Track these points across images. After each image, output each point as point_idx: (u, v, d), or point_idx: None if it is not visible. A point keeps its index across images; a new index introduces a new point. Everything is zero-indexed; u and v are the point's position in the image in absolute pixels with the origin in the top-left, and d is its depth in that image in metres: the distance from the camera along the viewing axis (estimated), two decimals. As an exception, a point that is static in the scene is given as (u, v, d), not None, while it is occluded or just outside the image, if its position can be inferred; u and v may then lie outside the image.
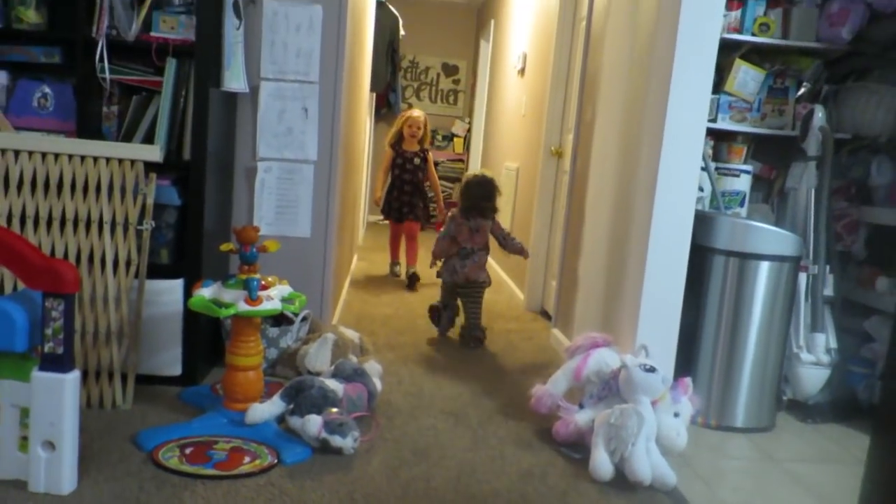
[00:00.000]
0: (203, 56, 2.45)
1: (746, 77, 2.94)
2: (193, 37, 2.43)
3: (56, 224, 2.28)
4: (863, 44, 2.87)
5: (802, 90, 3.01)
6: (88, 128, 2.45)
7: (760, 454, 2.45)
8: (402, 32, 6.78)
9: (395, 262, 5.04)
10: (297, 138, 2.89)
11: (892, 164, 2.93)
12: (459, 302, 3.51)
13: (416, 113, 4.86)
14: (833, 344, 2.76)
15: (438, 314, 3.55)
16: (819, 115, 2.78)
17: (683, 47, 2.31)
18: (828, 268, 2.78)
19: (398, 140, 4.84)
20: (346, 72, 2.98)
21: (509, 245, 3.57)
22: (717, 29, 2.36)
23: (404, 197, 4.82)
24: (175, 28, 2.46)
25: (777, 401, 2.72)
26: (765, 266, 2.57)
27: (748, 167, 2.99)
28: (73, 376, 1.74)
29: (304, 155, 2.90)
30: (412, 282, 4.70)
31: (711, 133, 2.96)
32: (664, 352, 2.40)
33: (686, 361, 2.58)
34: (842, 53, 2.96)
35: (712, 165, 2.91)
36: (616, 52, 2.96)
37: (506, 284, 5.04)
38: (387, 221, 5.05)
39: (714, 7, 2.33)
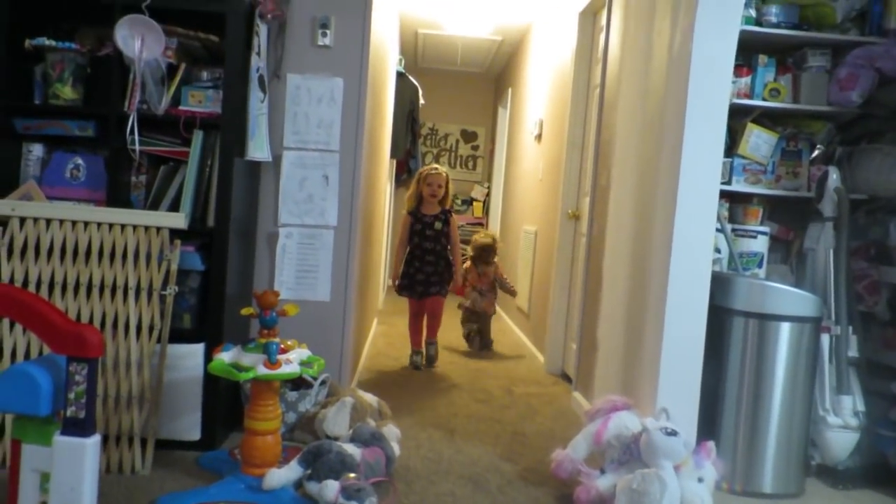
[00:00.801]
0: (228, 128, 2.55)
1: (759, 140, 2.98)
2: (220, 110, 2.54)
3: (83, 290, 2.35)
4: (873, 107, 2.91)
5: (816, 152, 3.04)
6: (117, 197, 2.54)
7: (789, 522, 2.37)
8: (421, 101, 6.97)
9: (416, 349, 4.27)
10: (318, 205, 2.96)
11: (911, 224, 2.92)
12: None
13: (436, 168, 4.27)
14: (860, 406, 2.70)
15: (472, 338, 4.83)
16: (833, 176, 2.80)
17: (694, 112, 2.37)
18: (850, 329, 2.75)
19: (417, 203, 4.24)
20: (365, 141, 3.08)
21: (503, 286, 4.97)
22: (726, 95, 2.42)
23: (427, 268, 4.18)
24: (202, 102, 2.57)
25: (805, 466, 2.65)
26: (785, 327, 2.55)
27: (765, 228, 2.99)
28: (94, 441, 1.76)
29: (324, 221, 2.97)
30: (430, 360, 4.25)
31: (726, 195, 2.99)
32: (685, 415, 2.37)
33: (708, 425, 2.53)
34: (853, 116, 3.00)
35: (728, 227, 2.93)
36: (629, 118, 3.03)
37: (526, 348, 5.02)
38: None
39: (723, 73, 2.39)
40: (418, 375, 4.00)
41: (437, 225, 4.20)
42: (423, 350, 4.26)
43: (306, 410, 2.76)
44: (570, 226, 4.20)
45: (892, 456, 2.74)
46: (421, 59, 7.88)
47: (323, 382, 2.83)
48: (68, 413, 1.74)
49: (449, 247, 4.26)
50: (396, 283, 4.25)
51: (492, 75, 8.37)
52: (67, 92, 2.53)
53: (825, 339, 2.70)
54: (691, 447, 2.20)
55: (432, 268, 4.20)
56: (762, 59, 2.93)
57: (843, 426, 2.66)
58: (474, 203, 8.36)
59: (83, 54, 2.54)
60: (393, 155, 6.06)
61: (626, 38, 3.17)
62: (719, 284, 2.56)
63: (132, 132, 2.48)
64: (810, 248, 2.88)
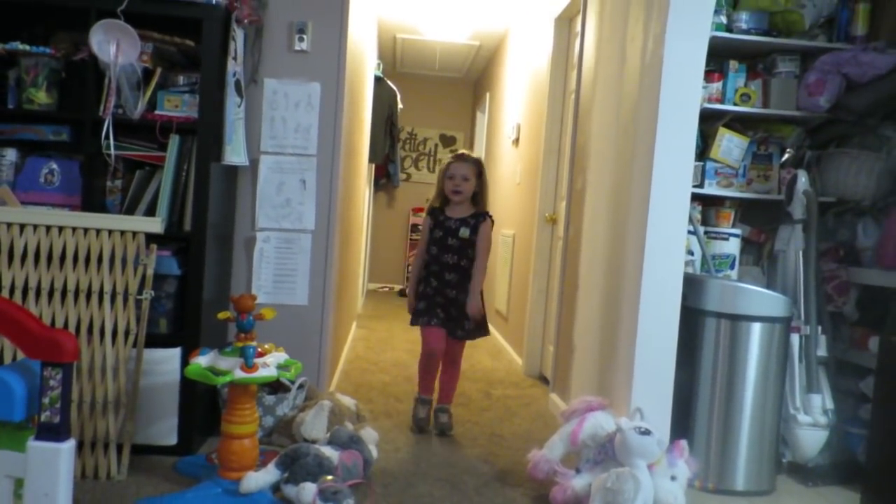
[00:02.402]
0: (205, 132, 2.55)
1: (731, 144, 3.04)
2: (196, 114, 2.54)
3: (58, 295, 2.33)
4: (841, 112, 2.98)
5: (786, 156, 3.11)
6: (93, 202, 2.53)
7: (761, 519, 2.42)
8: (400, 105, 7.00)
9: (425, 396, 3.16)
10: (296, 209, 2.97)
11: (877, 226, 2.99)
12: None
13: (463, 154, 3.13)
14: (830, 405, 2.76)
15: None
16: (802, 179, 2.86)
17: (666, 117, 2.41)
18: (819, 328, 2.80)
19: (441, 202, 3.16)
20: (343, 145, 3.09)
21: None
22: (698, 99, 2.46)
23: (447, 291, 3.04)
24: (179, 106, 2.57)
25: (776, 463, 2.70)
26: (757, 327, 2.60)
27: (737, 231, 3.05)
28: (69, 446, 1.75)
29: (302, 225, 2.98)
30: (443, 429, 3.06)
31: (699, 198, 3.04)
32: (659, 414, 2.41)
33: (682, 424, 2.58)
34: (822, 121, 3.07)
35: (701, 230, 2.98)
36: (603, 123, 3.07)
37: (505, 351, 5.05)
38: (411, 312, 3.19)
39: (694, 79, 2.44)
40: (397, 380, 4.00)
41: (464, 232, 3.07)
42: (432, 414, 3.16)
43: (284, 414, 2.76)
44: (548, 229, 4.24)
45: (861, 453, 2.80)
46: (399, 64, 7.90)
47: (301, 386, 2.83)
48: (42, 418, 1.73)
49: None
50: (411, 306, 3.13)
51: (470, 80, 8.41)
52: (42, 97, 2.52)
53: (795, 338, 2.76)
54: (665, 446, 2.24)
55: (454, 292, 3.05)
56: (733, 64, 2.99)
57: (812, 424, 2.71)
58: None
59: (58, 59, 2.53)
60: (371, 159, 6.07)
61: (600, 43, 3.22)
62: (692, 286, 2.61)
63: (107, 137, 2.47)
64: (781, 250, 2.94)
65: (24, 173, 2.55)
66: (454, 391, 3.20)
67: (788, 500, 2.60)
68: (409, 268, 7.49)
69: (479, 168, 3.12)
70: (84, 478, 2.28)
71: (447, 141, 8.59)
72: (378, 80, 6.11)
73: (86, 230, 2.36)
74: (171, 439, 2.51)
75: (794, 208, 2.88)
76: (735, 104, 2.98)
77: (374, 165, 6.85)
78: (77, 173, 2.55)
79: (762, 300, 2.62)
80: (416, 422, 3.11)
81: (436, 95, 8.46)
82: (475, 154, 3.23)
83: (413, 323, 3.10)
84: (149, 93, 2.55)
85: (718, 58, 2.95)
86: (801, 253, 2.85)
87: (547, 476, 2.39)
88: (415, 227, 8.26)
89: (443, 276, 3.06)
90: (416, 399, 3.17)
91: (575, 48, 3.75)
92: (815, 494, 2.67)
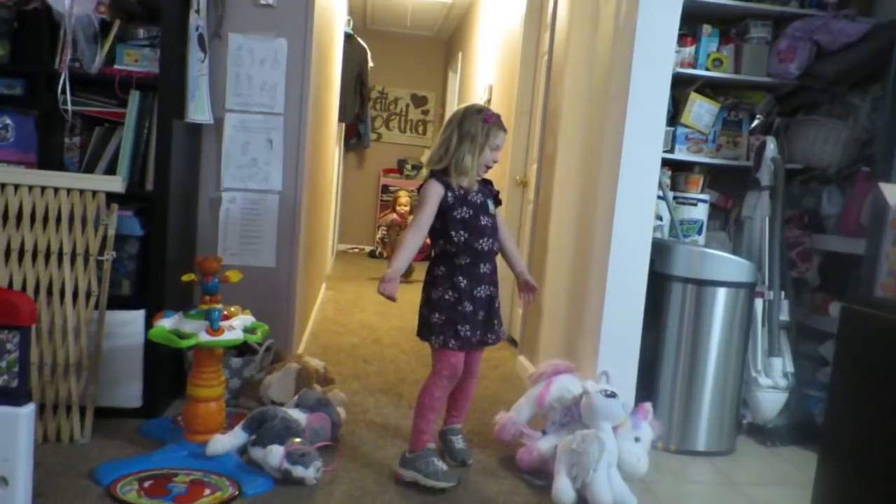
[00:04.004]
0: (167, 88, 2.47)
1: (701, 110, 3.04)
2: (157, 70, 2.45)
3: (14, 255, 2.26)
4: (810, 79, 2.99)
5: (755, 123, 3.12)
6: (50, 159, 2.44)
7: (721, 478, 2.48)
8: (370, 64, 6.87)
9: (451, 426, 2.47)
10: (262, 169, 2.91)
11: (842, 193, 3.03)
12: None
13: (502, 125, 2.28)
14: (790, 368, 2.82)
15: None
16: (770, 146, 2.88)
17: (637, 81, 2.39)
18: (783, 294, 2.86)
19: (444, 169, 2.25)
20: (311, 103, 3.02)
21: None
22: (670, 64, 2.45)
23: (484, 290, 2.27)
24: (139, 61, 2.47)
25: (737, 425, 2.77)
26: (722, 292, 2.63)
27: (705, 196, 3.07)
28: (28, 410, 1.72)
29: (268, 185, 2.92)
30: (464, 458, 2.38)
31: (669, 164, 3.05)
32: (625, 378, 2.44)
33: (647, 387, 2.62)
34: (791, 88, 3.08)
35: (670, 195, 2.99)
36: (575, 86, 3.04)
37: (474, 313, 5.07)
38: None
39: (666, 43, 2.42)
40: (366, 342, 3.99)
41: (492, 207, 2.33)
42: (445, 441, 2.45)
43: (251, 376, 2.74)
44: (518, 193, 4.23)
45: (818, 415, 2.89)
46: (370, 21, 7.74)
47: (268, 349, 2.81)
48: (0, 382, 1.69)
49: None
50: (387, 284, 2.12)
51: (442, 39, 8.28)
52: (-7, 47, 2.40)
53: (759, 303, 2.81)
54: (629, 409, 2.27)
55: (494, 288, 2.32)
56: (706, 28, 2.97)
57: (773, 387, 2.78)
58: (424, 168, 8.33)
59: (9, 8, 2.40)
60: (341, 119, 5.97)
61: (573, 4, 3.17)
62: (659, 251, 2.63)
63: (63, 91, 2.38)
64: (747, 216, 2.97)
65: (-23, 128, 2.45)
66: (468, 406, 2.51)
67: (747, 460, 2.67)
68: (384, 231, 7.45)
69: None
70: (46, 441, 2.25)
71: (418, 101, 8.48)
72: (348, 37, 5.97)
73: (43, 188, 2.28)
74: (136, 402, 2.48)
75: (761, 175, 2.90)
76: (707, 69, 2.98)
77: (343, 125, 6.74)
78: (32, 129, 2.45)
79: (728, 266, 2.65)
80: (456, 455, 2.38)
81: (407, 54, 8.32)
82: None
83: (423, 335, 2.28)
84: (107, 46, 2.45)
85: (692, 21, 2.93)
86: (766, 219, 2.88)
87: (513, 438, 2.42)
88: (385, 189, 8.19)
89: (477, 270, 2.26)
90: (423, 452, 2.21)
91: (548, 9, 3.69)
92: (774, 454, 2.75)
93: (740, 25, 3.04)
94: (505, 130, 2.29)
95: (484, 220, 2.25)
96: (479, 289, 2.25)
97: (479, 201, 2.26)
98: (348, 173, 8.09)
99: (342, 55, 5.45)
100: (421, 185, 2.27)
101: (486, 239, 2.25)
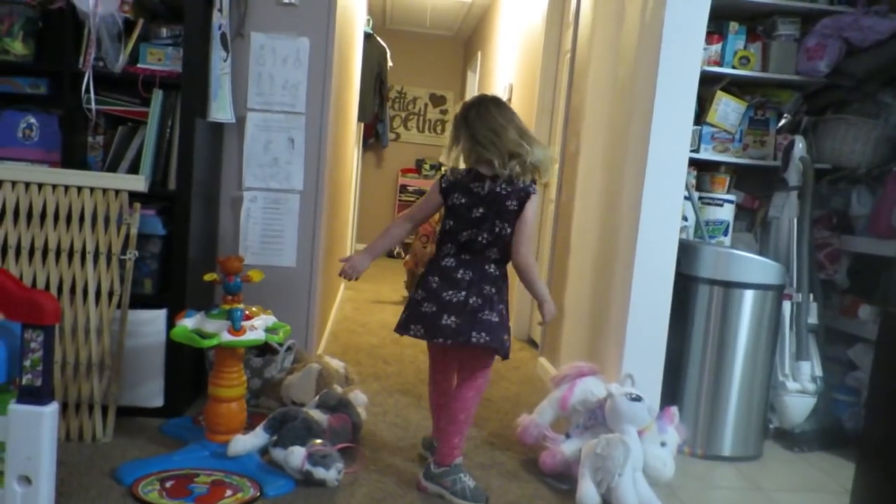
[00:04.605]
0: (190, 87, 2.46)
1: (728, 109, 2.98)
2: (180, 69, 2.45)
3: (38, 254, 2.27)
4: (840, 77, 2.93)
5: (783, 122, 3.06)
6: (73, 158, 2.44)
7: (747, 483, 2.43)
8: (389, 63, 6.86)
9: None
10: (283, 168, 2.90)
11: (871, 194, 2.97)
12: None
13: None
14: (818, 372, 2.77)
15: None
16: (799, 146, 2.82)
17: (665, 80, 2.35)
18: (811, 296, 2.80)
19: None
20: (332, 103, 3.01)
21: None
22: (698, 62, 2.41)
23: (457, 275, 2.12)
24: (162, 60, 2.47)
25: (764, 429, 2.71)
26: (749, 294, 2.58)
27: (731, 197, 3.02)
28: (52, 409, 1.71)
29: (289, 185, 2.91)
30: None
31: (694, 163, 3.00)
32: (650, 381, 2.40)
33: (672, 390, 2.58)
34: (820, 86, 3.02)
35: (696, 195, 2.94)
36: (599, 85, 3.00)
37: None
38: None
39: (694, 41, 2.38)
40: (386, 342, 3.98)
41: (484, 190, 2.13)
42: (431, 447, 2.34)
43: (272, 377, 2.73)
44: (539, 192, 4.19)
45: (847, 420, 2.83)
46: (389, 21, 7.73)
47: (289, 349, 2.80)
48: (24, 381, 1.69)
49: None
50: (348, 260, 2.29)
51: (461, 38, 8.25)
52: (18, 47, 2.41)
53: (787, 306, 2.75)
54: (655, 412, 2.24)
55: (488, 286, 2.13)
56: (733, 26, 2.92)
57: (801, 391, 2.73)
58: (443, 168, 8.31)
59: (34, 7, 2.41)
60: (360, 118, 5.96)
61: (597, 1, 3.13)
62: (685, 252, 2.58)
63: (87, 90, 2.38)
64: (775, 217, 2.91)
65: (1, 127, 2.45)
66: (462, 426, 2.18)
67: (775, 466, 2.62)
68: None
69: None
70: (69, 440, 2.25)
71: (437, 100, 8.46)
72: (367, 36, 5.96)
73: (66, 188, 2.29)
74: (158, 401, 2.48)
75: (789, 175, 2.84)
76: (734, 67, 2.92)
77: (362, 125, 6.73)
78: (56, 128, 2.46)
79: (756, 267, 2.60)
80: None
81: (426, 54, 8.30)
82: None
83: (400, 330, 2.20)
84: (130, 45, 2.45)
85: (718, 19, 2.88)
86: (794, 220, 2.83)
87: (536, 441, 2.39)
88: (403, 189, 8.17)
89: (460, 255, 2.18)
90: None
91: (571, 6, 3.65)
92: (801, 460, 2.69)
93: (768, 22, 2.99)
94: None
95: (477, 213, 2.11)
96: (461, 271, 2.11)
97: (482, 192, 2.10)
98: (367, 173, 8.08)
99: (362, 55, 5.44)
100: None
101: (472, 231, 2.11)
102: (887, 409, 1.57)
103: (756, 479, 2.47)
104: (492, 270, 2.13)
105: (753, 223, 3.20)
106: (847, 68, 2.90)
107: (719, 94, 2.96)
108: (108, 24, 2.38)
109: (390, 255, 7.93)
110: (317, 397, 2.49)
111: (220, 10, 2.58)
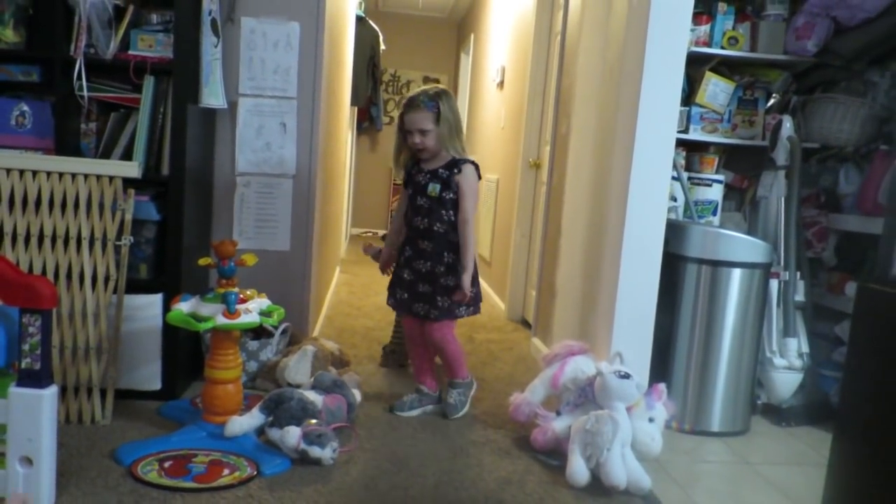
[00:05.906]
0: (181, 73, 2.47)
1: (716, 89, 3.01)
2: (171, 55, 2.46)
3: (34, 240, 2.29)
4: (828, 56, 2.95)
5: (771, 101, 3.08)
6: (66, 145, 2.46)
7: (735, 458, 2.49)
8: (382, 47, 6.84)
9: (424, 388, 2.69)
10: (276, 153, 2.92)
11: (859, 172, 3.00)
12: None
13: (413, 105, 2.48)
14: (805, 348, 2.81)
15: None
16: (787, 125, 2.85)
17: (652, 61, 2.37)
18: (798, 274, 2.84)
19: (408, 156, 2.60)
20: (324, 87, 3.02)
21: None
22: (685, 42, 2.42)
23: (417, 264, 2.52)
24: (153, 46, 2.48)
25: (752, 405, 2.76)
26: (736, 273, 2.62)
27: (720, 177, 3.05)
28: (51, 392, 1.75)
29: (282, 169, 2.93)
30: (450, 410, 2.63)
31: (683, 144, 3.03)
32: (639, 358, 2.45)
33: (662, 368, 2.62)
34: (809, 66, 3.04)
35: (685, 175, 2.97)
36: (589, 66, 3.02)
37: (488, 295, 5.08)
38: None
39: (681, 21, 2.39)
40: (381, 325, 4.02)
41: (432, 188, 2.47)
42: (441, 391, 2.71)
43: (268, 359, 2.77)
44: (531, 174, 4.22)
45: (833, 395, 2.88)
46: (381, 3, 7.70)
47: (284, 331, 2.84)
48: (23, 365, 1.72)
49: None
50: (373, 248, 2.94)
51: (454, 21, 8.22)
52: (9, 35, 2.42)
53: (774, 284, 2.79)
54: (644, 389, 2.28)
55: (431, 263, 2.49)
56: (721, 6, 2.94)
57: (788, 367, 2.78)
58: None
59: (24, -6, 2.42)
60: (354, 102, 5.96)
61: (587, -17, 3.14)
62: (674, 232, 2.62)
63: (79, 77, 2.40)
64: (763, 196, 2.95)
65: (-6, 115, 2.47)
66: (456, 368, 2.63)
67: (762, 440, 2.67)
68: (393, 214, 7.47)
69: (437, 109, 2.44)
70: (69, 422, 2.29)
71: (431, 83, 8.44)
72: (360, 19, 5.95)
73: (60, 174, 2.31)
74: (155, 384, 2.52)
75: (777, 154, 2.87)
76: (723, 47, 2.94)
77: (356, 108, 6.73)
78: (49, 115, 2.48)
79: (743, 246, 2.63)
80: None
81: (419, 36, 8.27)
82: (437, 87, 2.59)
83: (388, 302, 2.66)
84: (121, 31, 2.46)
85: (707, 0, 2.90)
86: (782, 199, 2.86)
87: (528, 418, 2.44)
88: (398, 172, 8.18)
89: (416, 243, 2.53)
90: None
91: (561, -12, 3.66)
92: (788, 434, 2.75)
93: (756, 2, 3.00)
94: (416, 108, 2.46)
95: (420, 201, 2.50)
96: (412, 264, 2.55)
97: (422, 182, 2.51)
98: (361, 157, 8.09)
99: (354, 38, 5.43)
100: None
101: (419, 218, 2.51)
102: (861, 381, 1.62)
103: (743, 453, 2.52)
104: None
105: (743, 203, 3.23)
106: (835, 47, 2.92)
107: (708, 74, 2.99)
108: (99, 11, 2.39)
109: (385, 238, 7.94)
110: (312, 378, 2.53)
111: (210, -4, 2.59)
